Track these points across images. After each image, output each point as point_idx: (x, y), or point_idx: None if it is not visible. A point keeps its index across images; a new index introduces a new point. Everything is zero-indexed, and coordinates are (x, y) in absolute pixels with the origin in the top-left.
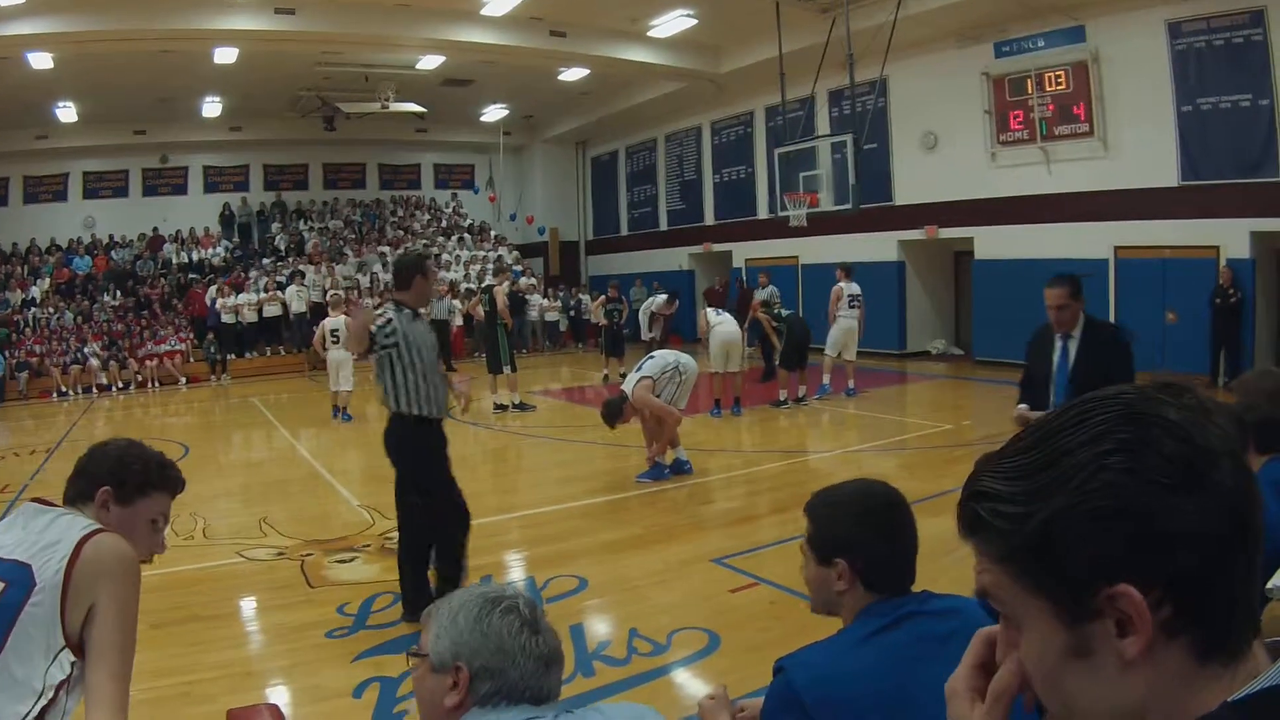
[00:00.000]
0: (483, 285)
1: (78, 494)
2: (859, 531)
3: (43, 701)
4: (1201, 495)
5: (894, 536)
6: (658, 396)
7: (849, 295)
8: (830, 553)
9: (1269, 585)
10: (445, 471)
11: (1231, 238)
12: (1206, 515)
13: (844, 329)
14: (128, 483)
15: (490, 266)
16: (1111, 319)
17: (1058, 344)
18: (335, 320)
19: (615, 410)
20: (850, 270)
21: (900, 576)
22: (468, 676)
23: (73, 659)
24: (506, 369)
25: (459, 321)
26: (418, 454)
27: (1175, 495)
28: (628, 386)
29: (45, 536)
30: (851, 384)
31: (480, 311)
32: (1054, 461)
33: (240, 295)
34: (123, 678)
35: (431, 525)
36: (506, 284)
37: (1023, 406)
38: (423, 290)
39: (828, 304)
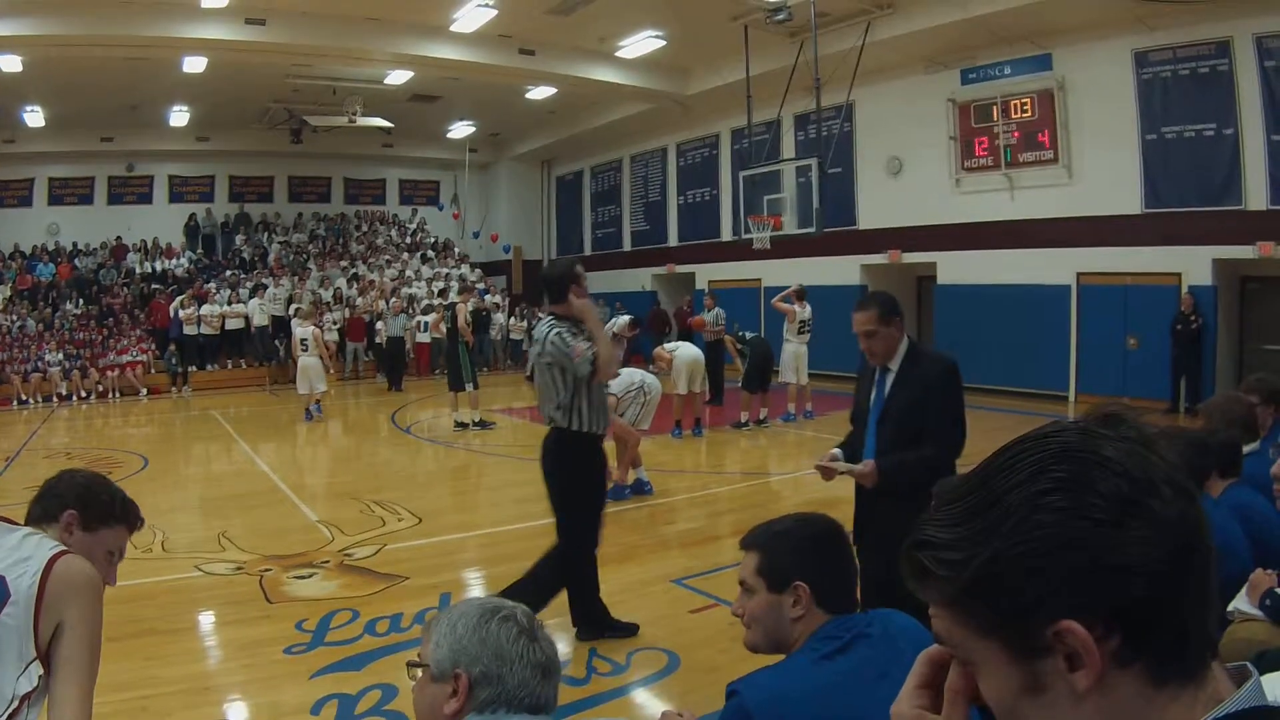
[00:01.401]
0: (446, 302)
1: (43, 514)
2: (812, 554)
3: (7, 711)
4: (1141, 528)
5: (840, 557)
6: (621, 415)
7: (800, 320)
8: (787, 578)
9: (1230, 608)
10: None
11: (1194, 265)
12: (1147, 547)
13: (793, 353)
14: (93, 509)
15: (455, 284)
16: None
17: (877, 377)
18: (304, 330)
19: None
20: (803, 292)
21: (849, 596)
22: (467, 683)
23: (40, 672)
24: (469, 386)
25: (422, 338)
26: (592, 471)
27: (1114, 530)
28: None
29: (16, 553)
30: (809, 406)
31: (443, 328)
32: (991, 504)
33: (204, 306)
34: (88, 694)
35: (594, 540)
36: (471, 301)
37: (835, 452)
38: (579, 301)
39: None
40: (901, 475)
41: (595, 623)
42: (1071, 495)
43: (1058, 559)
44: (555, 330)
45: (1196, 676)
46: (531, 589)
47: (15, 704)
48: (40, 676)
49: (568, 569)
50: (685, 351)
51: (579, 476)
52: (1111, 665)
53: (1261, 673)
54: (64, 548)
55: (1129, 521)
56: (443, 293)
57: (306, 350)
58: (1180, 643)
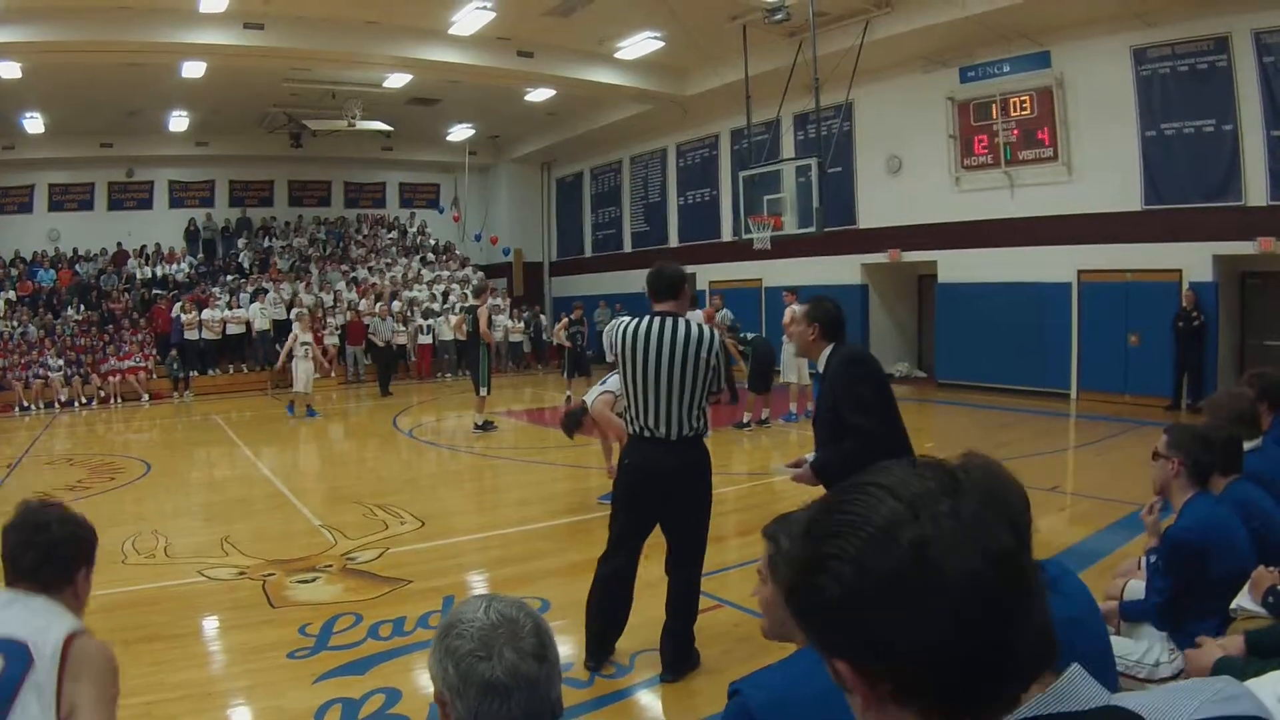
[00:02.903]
0: (466, 305)
1: (53, 579)
2: None
3: None
4: (914, 615)
5: None
6: (621, 414)
7: None
8: None
9: (1232, 606)
10: None
11: (1194, 261)
12: (918, 631)
13: (795, 353)
14: (93, 554)
15: (457, 286)
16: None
17: None
18: (305, 335)
19: (574, 421)
20: (797, 293)
21: None
22: (443, 704)
23: None
24: (482, 390)
25: (424, 341)
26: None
27: (886, 613)
28: (589, 398)
29: (36, 620)
30: (810, 406)
31: (465, 331)
32: (812, 539)
33: (205, 311)
34: None
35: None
36: (493, 300)
37: (806, 456)
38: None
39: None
40: (830, 472)
41: (691, 658)
42: (853, 572)
43: (831, 618)
44: (708, 327)
45: (985, 715)
46: (684, 642)
47: None
48: None
49: (695, 594)
50: None
51: (711, 487)
52: (891, 699)
53: (1243, 678)
54: (78, 626)
55: (902, 609)
56: (445, 295)
57: (306, 355)
58: (955, 697)
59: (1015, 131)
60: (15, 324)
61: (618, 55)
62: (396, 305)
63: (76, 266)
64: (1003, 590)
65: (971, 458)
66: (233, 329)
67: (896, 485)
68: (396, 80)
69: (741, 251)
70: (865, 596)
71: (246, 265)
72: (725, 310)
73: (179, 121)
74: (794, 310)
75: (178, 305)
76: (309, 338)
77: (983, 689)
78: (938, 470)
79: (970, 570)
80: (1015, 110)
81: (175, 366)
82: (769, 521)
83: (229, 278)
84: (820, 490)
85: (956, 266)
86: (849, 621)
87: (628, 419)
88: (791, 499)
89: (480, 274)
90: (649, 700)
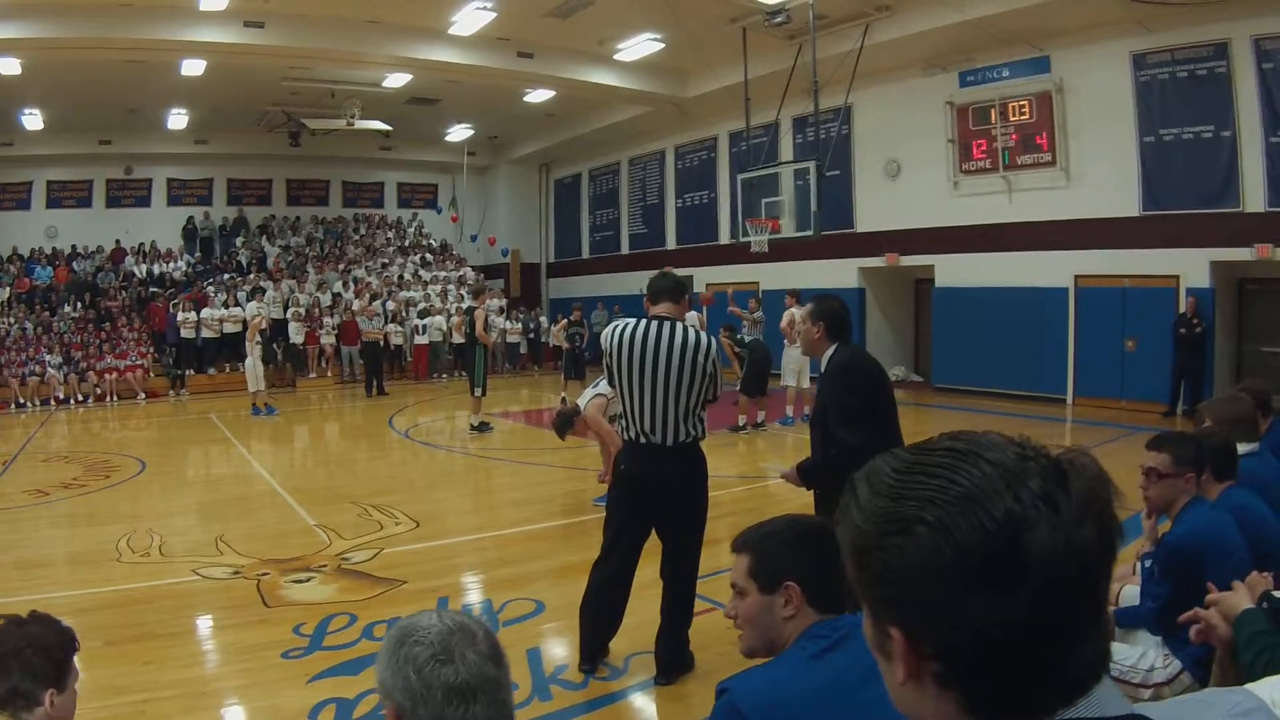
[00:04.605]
0: (465, 306)
1: (11, 695)
2: (802, 553)
3: None
4: (988, 597)
5: (830, 556)
6: (612, 418)
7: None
8: (777, 578)
9: None
10: None
11: (1192, 267)
12: (988, 616)
13: (796, 357)
14: (64, 672)
15: (472, 287)
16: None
17: None
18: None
19: (567, 421)
20: (799, 296)
21: (839, 596)
22: (394, 714)
23: None
24: (477, 391)
25: (420, 341)
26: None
27: (960, 589)
28: (583, 400)
29: None
30: (807, 410)
31: (463, 332)
32: (894, 499)
33: (205, 310)
34: None
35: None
36: (492, 302)
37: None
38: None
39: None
40: (816, 476)
41: (686, 661)
42: (938, 539)
43: (902, 584)
44: (707, 333)
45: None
46: (679, 645)
47: None
48: None
49: (691, 598)
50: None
51: (707, 492)
52: (932, 680)
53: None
54: None
55: (979, 588)
56: (444, 295)
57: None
58: (1003, 692)
59: (1014, 136)
60: (12, 321)
61: (617, 57)
62: (391, 305)
63: (74, 264)
64: (1082, 591)
65: (1078, 454)
66: (229, 328)
67: (995, 455)
68: (396, 80)
69: (739, 254)
70: (942, 566)
71: (244, 264)
72: (759, 313)
73: (178, 119)
74: (793, 313)
75: (174, 303)
76: (260, 339)
77: (1033, 691)
78: (1040, 453)
79: (1058, 561)
80: (1014, 115)
81: (171, 364)
82: (739, 536)
83: (226, 276)
84: (804, 493)
85: (954, 271)
86: (918, 590)
87: (624, 424)
88: (786, 503)
89: (480, 275)
90: (643, 703)
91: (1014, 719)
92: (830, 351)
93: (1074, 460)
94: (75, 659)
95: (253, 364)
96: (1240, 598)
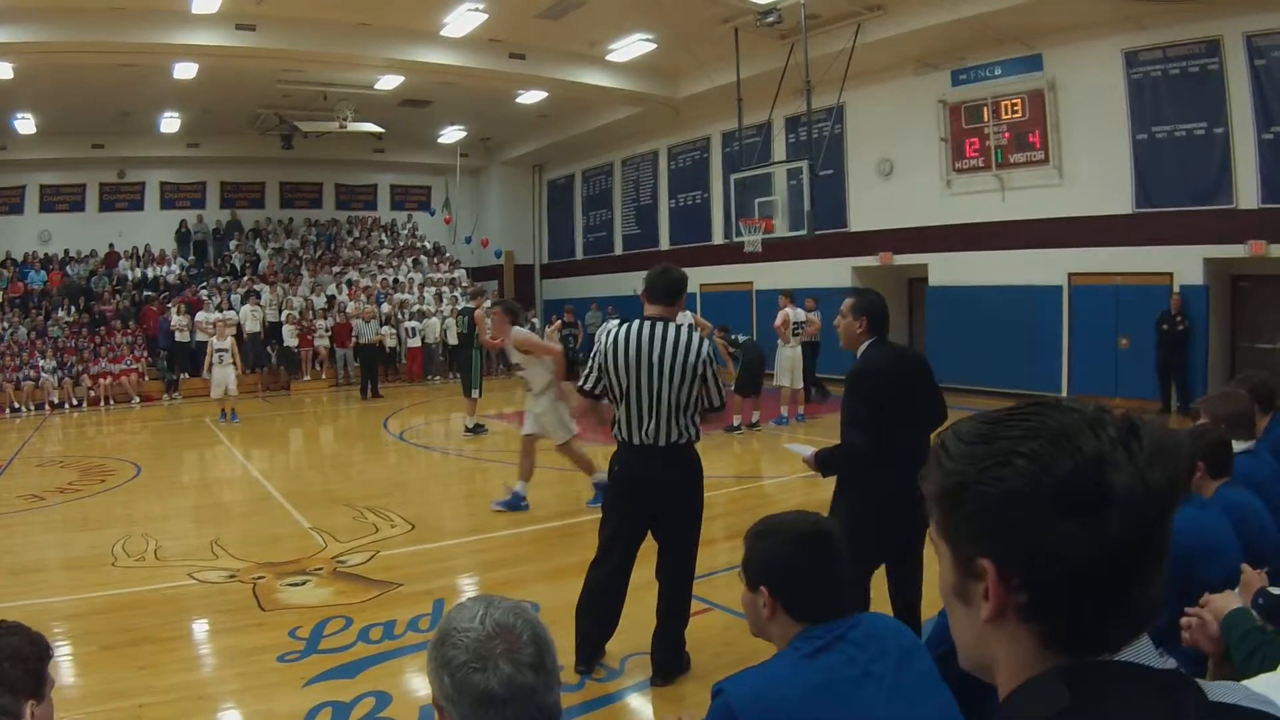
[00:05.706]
0: (462, 308)
1: None
2: (783, 562)
3: None
4: (1077, 525)
5: (819, 566)
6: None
7: (795, 322)
8: (755, 580)
9: None
10: None
11: (1185, 264)
12: (1075, 543)
13: (789, 356)
14: (40, 683)
15: (470, 289)
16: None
17: None
18: (222, 342)
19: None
20: (792, 295)
21: (828, 604)
22: (440, 710)
23: None
24: (474, 392)
25: (413, 344)
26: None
27: (1054, 515)
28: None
29: None
30: (801, 410)
31: (457, 333)
32: (988, 440)
33: (199, 314)
34: None
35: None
36: (488, 303)
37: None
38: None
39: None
40: (830, 466)
41: (682, 662)
42: (1034, 470)
43: (1000, 512)
44: (699, 333)
45: (1087, 657)
46: (675, 647)
47: None
48: None
49: (687, 599)
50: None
51: (702, 493)
52: (1014, 614)
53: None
54: None
55: (1069, 515)
56: (438, 297)
57: (221, 361)
58: (1081, 626)
59: (1006, 134)
60: (6, 325)
61: (609, 57)
62: (386, 308)
63: (67, 268)
64: (1153, 530)
65: (1151, 417)
66: None
67: (1074, 405)
68: (388, 82)
69: (732, 254)
70: (1040, 494)
71: (238, 267)
72: (816, 312)
73: (170, 123)
74: (787, 313)
75: (168, 307)
76: (226, 344)
77: (1106, 622)
78: (1111, 411)
79: (1135, 498)
80: (1007, 113)
81: (165, 368)
82: (753, 524)
83: (220, 280)
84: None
85: (947, 269)
86: (1015, 517)
87: (617, 426)
88: (782, 503)
89: (470, 280)
90: (639, 704)
91: (1084, 651)
92: (864, 347)
93: (1144, 417)
94: (50, 667)
95: (221, 372)
96: (1230, 598)
